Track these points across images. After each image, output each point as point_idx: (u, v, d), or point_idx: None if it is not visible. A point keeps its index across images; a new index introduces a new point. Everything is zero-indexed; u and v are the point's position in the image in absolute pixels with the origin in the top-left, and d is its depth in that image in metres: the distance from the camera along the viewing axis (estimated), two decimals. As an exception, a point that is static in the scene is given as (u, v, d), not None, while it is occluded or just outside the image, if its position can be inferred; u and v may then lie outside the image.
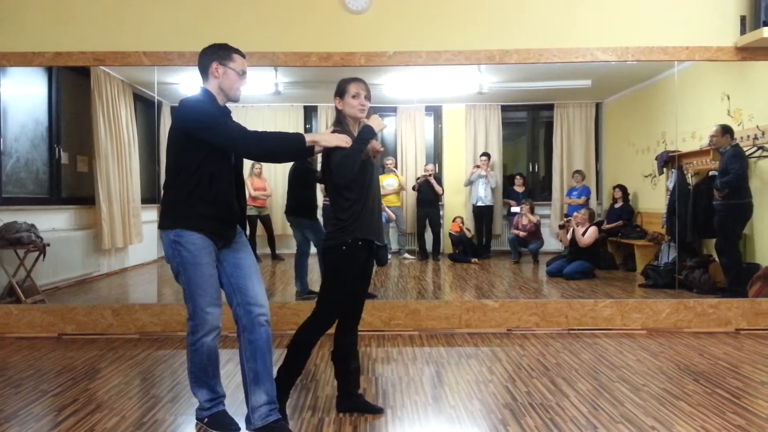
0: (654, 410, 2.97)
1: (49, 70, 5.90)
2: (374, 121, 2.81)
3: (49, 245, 5.20)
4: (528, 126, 8.84)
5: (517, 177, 8.45)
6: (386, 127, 2.87)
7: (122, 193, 6.55)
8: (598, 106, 8.24)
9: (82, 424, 2.83)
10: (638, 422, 2.82)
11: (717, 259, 5.51)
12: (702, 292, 5.42)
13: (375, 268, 7.13)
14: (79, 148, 6.32)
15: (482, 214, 8.18)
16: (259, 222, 7.13)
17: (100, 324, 4.60)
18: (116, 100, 6.41)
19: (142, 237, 6.82)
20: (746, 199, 5.23)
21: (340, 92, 2.87)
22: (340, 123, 2.87)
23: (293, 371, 2.88)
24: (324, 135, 2.74)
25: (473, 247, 7.97)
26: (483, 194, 8.09)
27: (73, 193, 6.24)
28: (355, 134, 2.81)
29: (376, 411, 2.98)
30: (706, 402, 3.08)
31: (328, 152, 2.75)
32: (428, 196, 7.76)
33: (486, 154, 8.15)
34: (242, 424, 2.72)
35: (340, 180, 2.72)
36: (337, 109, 2.89)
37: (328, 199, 3.03)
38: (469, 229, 8.06)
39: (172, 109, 2.67)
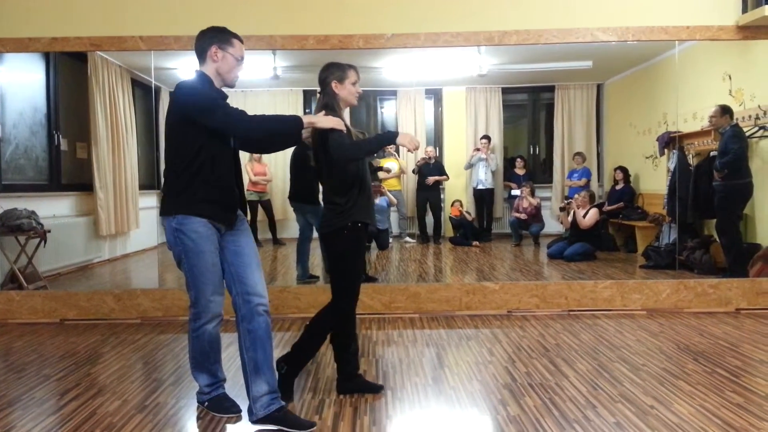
0: (653, 389, 2.99)
1: (47, 56, 5.87)
2: (406, 138, 2.74)
3: (49, 231, 5.22)
4: (529, 108, 8.81)
5: (518, 159, 8.43)
6: (417, 148, 2.86)
7: (120, 180, 6.55)
8: (599, 87, 8.20)
9: (84, 407, 2.85)
10: (637, 401, 2.83)
11: (718, 239, 5.51)
12: (703, 272, 5.42)
13: (376, 251, 7.16)
14: (78, 134, 6.31)
15: (483, 197, 8.17)
16: (260, 207, 7.14)
17: (102, 309, 4.62)
18: (114, 86, 6.39)
19: (138, 223, 6.84)
20: (746, 179, 5.21)
21: (340, 77, 2.84)
22: (332, 108, 2.84)
23: (307, 350, 2.93)
24: (319, 117, 2.73)
25: (474, 230, 7.97)
26: (483, 177, 8.07)
27: (73, 179, 6.24)
28: (344, 118, 2.81)
29: (377, 389, 3.00)
30: (705, 381, 3.09)
31: (323, 135, 2.75)
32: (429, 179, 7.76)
33: (486, 137, 8.12)
34: (243, 409, 2.73)
35: (340, 157, 2.71)
36: (331, 93, 2.86)
37: None
38: (469, 212, 8.06)
39: (171, 94, 2.64)
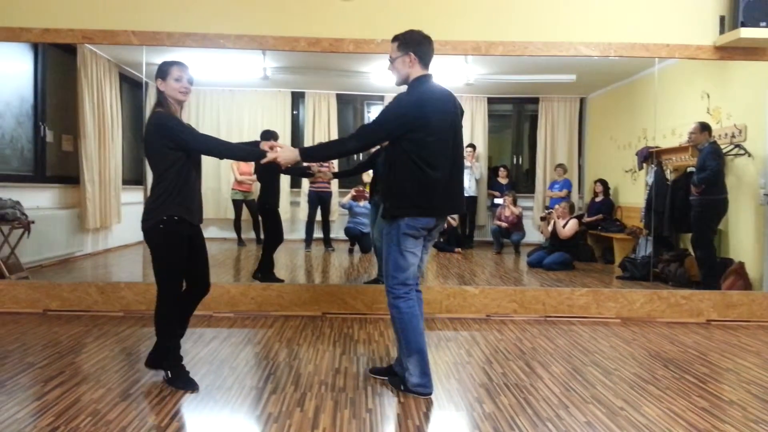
0: (624, 392, 3.09)
1: (35, 47, 5.87)
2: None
3: (33, 222, 5.21)
4: (513, 119, 8.94)
5: (502, 169, 8.55)
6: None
7: (104, 174, 6.55)
8: (581, 101, 8.36)
9: (68, 394, 2.89)
10: (608, 403, 2.94)
11: (693, 253, 5.66)
12: (677, 285, 5.56)
13: (359, 254, 7.21)
14: (64, 127, 6.30)
15: (467, 205, 8.27)
16: (244, 207, 7.17)
17: (85, 301, 4.63)
18: (102, 80, 6.40)
19: (120, 218, 6.84)
20: (722, 195, 5.38)
21: (163, 75, 3.04)
22: (163, 105, 3.04)
23: (166, 342, 3.17)
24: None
25: (457, 237, 8.07)
26: (468, 185, 8.16)
27: (58, 171, 6.23)
28: (177, 113, 3.09)
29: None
30: (673, 386, 3.21)
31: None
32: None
33: (471, 146, 8.24)
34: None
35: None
36: (158, 90, 3.06)
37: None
38: (454, 218, 8.15)
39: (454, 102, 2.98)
